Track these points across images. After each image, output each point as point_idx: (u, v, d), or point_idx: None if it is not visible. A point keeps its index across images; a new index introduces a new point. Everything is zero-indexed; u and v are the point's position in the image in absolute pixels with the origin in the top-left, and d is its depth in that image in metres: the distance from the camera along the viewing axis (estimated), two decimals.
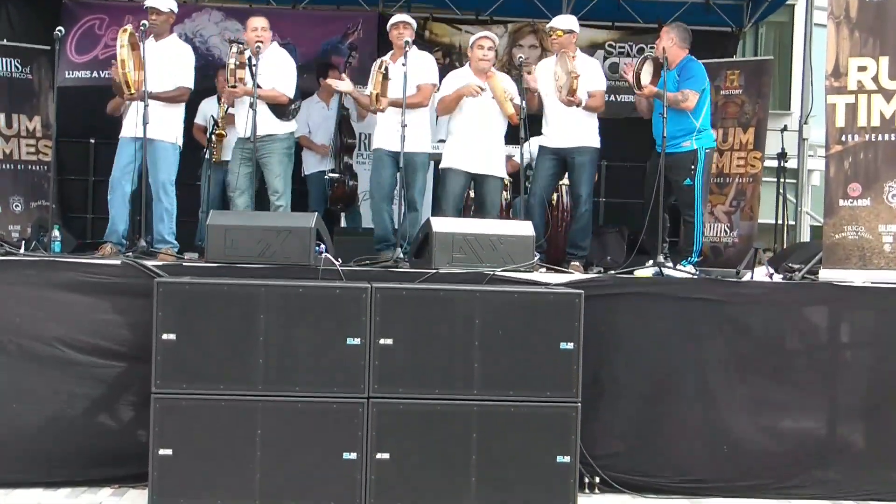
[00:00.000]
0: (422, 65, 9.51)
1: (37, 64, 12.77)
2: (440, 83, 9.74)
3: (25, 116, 12.75)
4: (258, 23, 9.67)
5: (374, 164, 9.69)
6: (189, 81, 9.51)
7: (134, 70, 8.97)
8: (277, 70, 9.47)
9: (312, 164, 11.89)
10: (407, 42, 9.21)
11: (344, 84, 9.87)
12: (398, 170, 9.38)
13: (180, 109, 9.55)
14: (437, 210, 9.50)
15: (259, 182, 9.67)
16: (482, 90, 9.49)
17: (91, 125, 12.54)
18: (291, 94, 9.59)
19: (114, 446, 7.34)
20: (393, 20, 9.64)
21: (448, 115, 9.70)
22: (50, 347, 7.34)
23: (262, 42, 9.44)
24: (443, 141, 9.99)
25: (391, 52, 9.67)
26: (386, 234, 9.51)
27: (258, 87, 9.21)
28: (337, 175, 11.43)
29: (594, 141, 9.72)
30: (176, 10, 9.68)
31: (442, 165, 9.71)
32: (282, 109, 9.50)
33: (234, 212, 9.36)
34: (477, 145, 9.54)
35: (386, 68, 9.22)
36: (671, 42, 9.36)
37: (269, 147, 9.42)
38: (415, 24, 9.77)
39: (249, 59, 9.34)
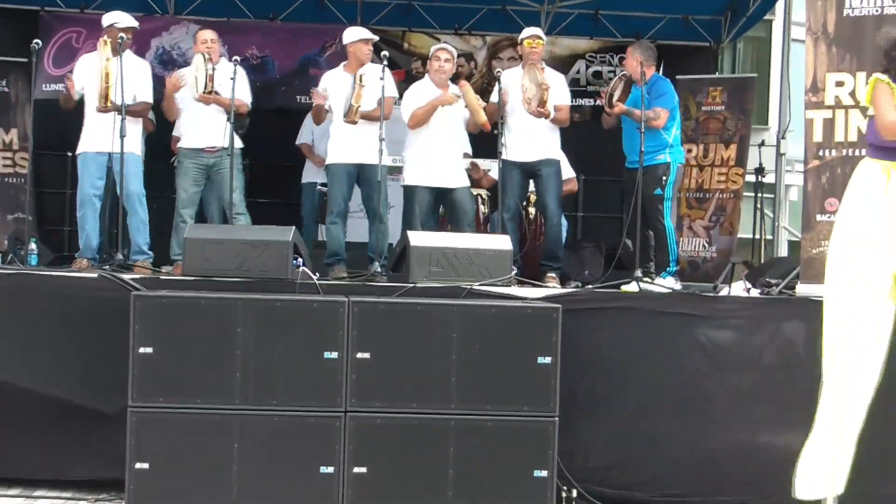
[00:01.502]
0: (378, 78, 9.49)
1: (13, 77, 12.77)
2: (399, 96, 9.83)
3: (2, 129, 12.75)
4: (208, 35, 9.79)
5: (331, 179, 9.66)
6: (149, 96, 9.62)
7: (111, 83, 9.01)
8: (237, 82, 9.45)
9: (310, 174, 11.86)
10: (385, 56, 9.23)
11: (317, 97, 9.79)
12: (353, 184, 9.50)
13: (141, 122, 9.60)
14: (407, 227, 9.43)
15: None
16: (458, 97, 9.49)
17: (68, 138, 12.44)
18: (249, 104, 9.60)
19: (89, 459, 7.32)
20: (362, 35, 9.63)
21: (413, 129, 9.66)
22: (24, 360, 7.32)
23: (212, 53, 9.56)
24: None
25: (345, 64, 9.71)
26: (339, 249, 9.51)
27: (216, 93, 9.36)
28: (326, 189, 11.45)
29: (558, 153, 9.78)
30: (138, 26, 9.68)
31: (406, 183, 9.67)
32: (238, 122, 9.47)
33: (211, 225, 9.35)
34: (440, 159, 9.54)
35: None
36: (636, 62, 9.43)
37: (227, 161, 9.39)
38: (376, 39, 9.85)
39: (214, 69, 9.38)
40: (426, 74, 9.97)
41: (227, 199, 9.40)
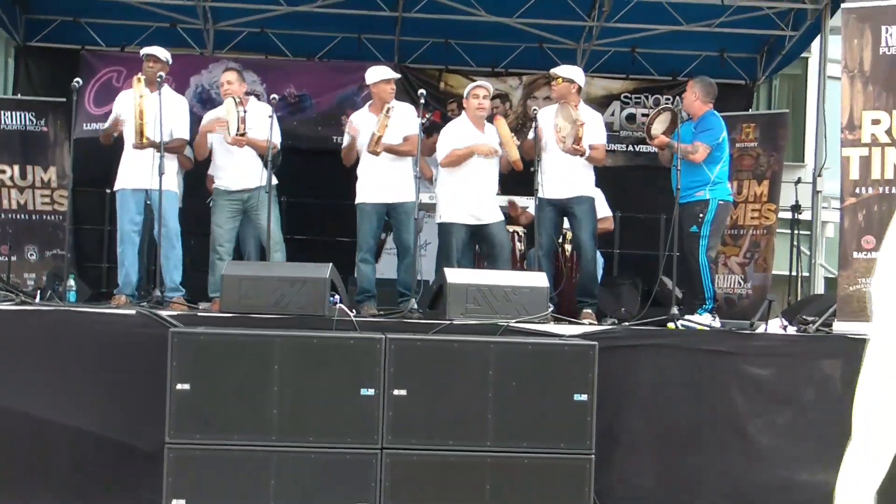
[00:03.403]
0: (407, 115, 9.52)
1: (52, 116, 12.87)
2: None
3: (40, 168, 12.86)
4: (226, 76, 9.84)
5: (360, 218, 9.59)
6: (186, 133, 9.64)
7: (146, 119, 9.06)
8: (265, 123, 9.46)
9: None
10: (422, 93, 9.27)
11: (351, 129, 9.81)
12: (382, 222, 9.54)
13: (177, 159, 9.62)
14: (444, 264, 9.41)
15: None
16: (497, 152, 9.49)
17: (106, 175, 12.54)
18: (279, 145, 9.60)
19: (125, 495, 7.33)
20: (383, 76, 9.66)
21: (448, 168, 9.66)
22: (62, 396, 7.37)
23: (231, 94, 9.53)
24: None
25: (370, 104, 9.72)
26: (369, 286, 9.50)
27: (244, 134, 9.35)
28: None
29: (591, 191, 9.70)
30: (170, 60, 9.71)
31: (441, 220, 9.65)
32: (271, 162, 9.49)
33: (248, 262, 9.38)
34: (474, 195, 9.51)
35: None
36: (694, 97, 9.38)
37: (264, 197, 9.39)
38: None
39: (246, 112, 9.40)
40: (462, 112, 9.94)
41: (263, 235, 9.42)
